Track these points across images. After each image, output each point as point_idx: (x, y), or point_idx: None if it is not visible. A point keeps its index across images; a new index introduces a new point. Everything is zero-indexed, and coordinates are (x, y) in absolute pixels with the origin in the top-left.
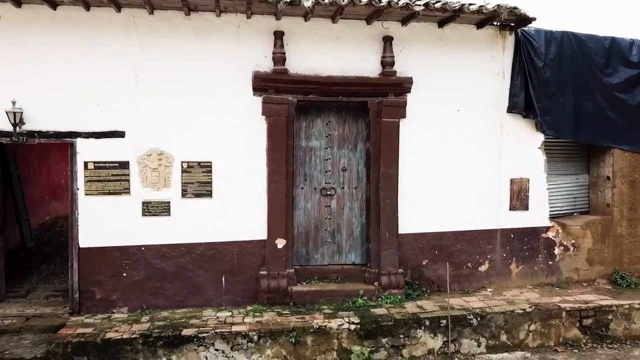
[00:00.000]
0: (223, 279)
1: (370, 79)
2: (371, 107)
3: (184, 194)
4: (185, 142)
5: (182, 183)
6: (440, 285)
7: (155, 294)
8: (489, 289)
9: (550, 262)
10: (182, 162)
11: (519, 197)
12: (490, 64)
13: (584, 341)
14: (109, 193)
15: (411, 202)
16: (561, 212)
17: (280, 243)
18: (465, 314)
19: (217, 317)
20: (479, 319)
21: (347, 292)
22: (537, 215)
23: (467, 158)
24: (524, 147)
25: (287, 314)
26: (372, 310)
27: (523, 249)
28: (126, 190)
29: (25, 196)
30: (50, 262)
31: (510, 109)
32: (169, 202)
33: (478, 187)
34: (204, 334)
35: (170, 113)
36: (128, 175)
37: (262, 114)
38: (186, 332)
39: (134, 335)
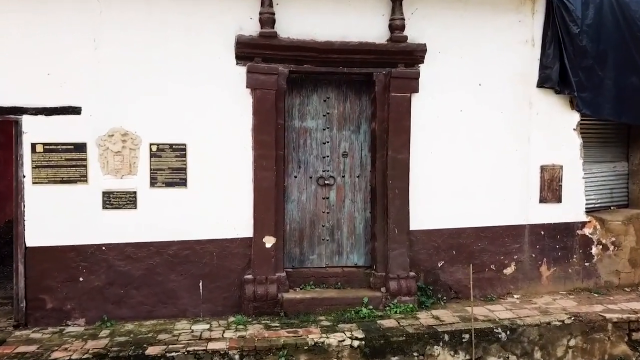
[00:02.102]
0: (200, 284)
1: (376, 46)
2: (377, 80)
3: (153, 182)
4: (155, 121)
5: (150, 169)
6: (458, 291)
7: (119, 303)
8: (515, 296)
9: (586, 264)
10: (150, 144)
11: (551, 188)
12: (517, 30)
13: (634, 359)
14: (62, 181)
15: (424, 192)
16: (596, 205)
17: (269, 242)
18: (491, 326)
19: (192, 331)
20: (508, 332)
21: (349, 300)
22: (571, 209)
23: (490, 141)
24: (556, 129)
25: (276, 326)
26: (379, 322)
27: (555, 248)
28: (83, 178)
29: None
30: (7, 264)
31: (541, 83)
32: (135, 193)
33: (503, 175)
34: (173, 354)
35: (137, 85)
36: (85, 159)
37: (247, 87)
38: (151, 350)
39: (85, 356)
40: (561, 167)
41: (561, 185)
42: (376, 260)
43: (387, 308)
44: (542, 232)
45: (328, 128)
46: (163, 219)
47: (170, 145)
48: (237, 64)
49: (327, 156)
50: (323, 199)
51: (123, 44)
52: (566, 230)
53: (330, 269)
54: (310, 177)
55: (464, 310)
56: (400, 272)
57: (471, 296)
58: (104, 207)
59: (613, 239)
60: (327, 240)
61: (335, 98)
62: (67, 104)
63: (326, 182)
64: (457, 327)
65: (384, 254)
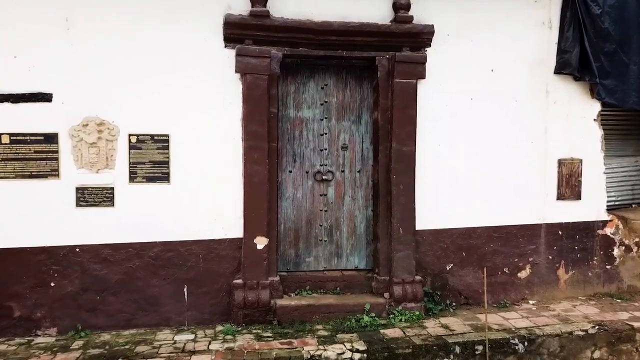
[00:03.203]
0: (185, 289)
1: (379, 27)
2: (380, 65)
3: (133, 177)
4: (134, 109)
5: (129, 163)
6: (469, 297)
7: (94, 310)
8: (531, 301)
9: (607, 267)
10: (129, 135)
11: (569, 183)
12: (533, 11)
13: None
14: (31, 176)
15: (432, 188)
16: (616, 202)
17: (261, 243)
18: (507, 337)
19: (175, 342)
20: (525, 343)
21: (349, 307)
22: (591, 207)
23: (504, 132)
24: (575, 119)
25: (268, 337)
26: (382, 331)
27: (574, 249)
28: (54, 173)
29: None
30: None
31: (559, 69)
32: (112, 188)
33: (517, 169)
34: None
35: (114, 70)
36: (57, 152)
37: (237, 72)
38: None
39: None
40: (580, 161)
41: (580, 181)
42: (379, 263)
43: (391, 316)
44: (560, 232)
45: (326, 118)
46: (143, 217)
47: (152, 136)
48: (225, 46)
49: (325, 149)
50: (321, 195)
51: (98, 24)
52: (586, 230)
53: (328, 273)
54: (307, 172)
55: (475, 318)
56: (405, 276)
57: (485, 303)
58: (78, 205)
59: (637, 239)
60: (325, 241)
61: (334, 85)
62: (36, 90)
63: (324, 177)
64: (469, 337)
65: (388, 256)
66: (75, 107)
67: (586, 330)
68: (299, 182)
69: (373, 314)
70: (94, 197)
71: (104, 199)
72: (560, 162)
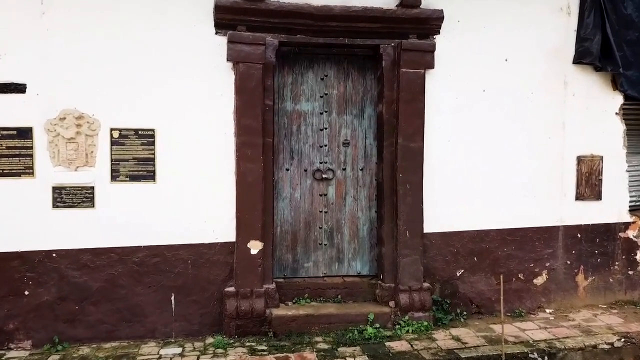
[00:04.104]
0: (172, 298)
1: (384, 12)
2: (385, 54)
3: (115, 176)
4: (116, 101)
5: (111, 160)
6: (480, 305)
7: (73, 321)
8: (548, 310)
9: (630, 272)
10: (111, 130)
11: (589, 182)
12: None
13: None
14: (3, 174)
15: (441, 188)
16: (637, 202)
17: (255, 247)
18: (525, 350)
19: (160, 356)
20: (546, 358)
21: (351, 317)
22: (612, 207)
23: (518, 127)
24: (595, 113)
25: (263, 350)
26: (387, 344)
27: (594, 253)
28: (29, 171)
29: None
30: None
31: (578, 59)
32: (92, 188)
33: (533, 167)
34: None
35: (94, 59)
36: (31, 147)
37: (228, 60)
38: None
39: None
40: (601, 158)
41: (601, 180)
42: (383, 269)
43: (397, 326)
44: (579, 235)
45: (326, 112)
46: (127, 219)
47: (136, 130)
48: (216, 33)
49: (325, 145)
50: (320, 195)
51: (76, 9)
52: (606, 232)
53: (328, 280)
54: (305, 170)
55: (489, 329)
56: (412, 282)
57: (502, 314)
58: (55, 206)
59: None
60: (325, 244)
61: (335, 76)
62: (7, 80)
63: (324, 175)
64: (484, 351)
65: (393, 261)
66: (52, 98)
67: (612, 344)
68: (296, 181)
69: (377, 325)
70: (72, 197)
71: (84, 199)
72: (580, 159)
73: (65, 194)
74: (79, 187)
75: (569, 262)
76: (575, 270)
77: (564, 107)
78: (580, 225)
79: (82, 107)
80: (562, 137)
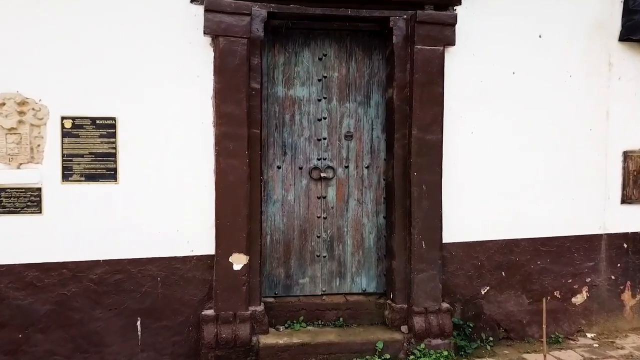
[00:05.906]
0: (138, 323)
1: None
2: (396, 28)
3: (68, 174)
4: (69, 83)
5: (63, 155)
6: (510, 329)
7: (15, 353)
8: (589, 334)
9: None
10: (62, 118)
11: (637, 182)
12: None
13: None
14: None
15: (463, 189)
16: None
17: (239, 261)
18: None
19: None
20: None
21: (356, 346)
22: None
23: (554, 116)
24: None
25: None
26: None
27: None
28: None
29: None
30: None
31: (626, 35)
32: (39, 190)
33: (571, 164)
34: None
35: (42, 31)
36: None
37: (206, 34)
38: None
39: None
40: None
41: None
42: (394, 286)
43: (412, 357)
44: (625, 245)
45: (325, 98)
46: (82, 228)
47: (93, 119)
48: (191, 1)
49: (324, 138)
50: (318, 198)
51: None
52: None
53: (328, 299)
54: (300, 168)
55: None
56: (428, 303)
57: (544, 347)
58: None
59: None
60: (324, 257)
61: (336, 55)
62: None
63: (322, 175)
64: None
65: (406, 277)
66: None
67: None
68: (290, 181)
69: (388, 355)
70: (14, 201)
71: (28, 203)
72: (626, 155)
73: (5, 197)
74: (22, 188)
75: (613, 278)
76: (621, 287)
77: (608, 92)
78: (627, 233)
79: (26, 90)
80: (606, 129)
